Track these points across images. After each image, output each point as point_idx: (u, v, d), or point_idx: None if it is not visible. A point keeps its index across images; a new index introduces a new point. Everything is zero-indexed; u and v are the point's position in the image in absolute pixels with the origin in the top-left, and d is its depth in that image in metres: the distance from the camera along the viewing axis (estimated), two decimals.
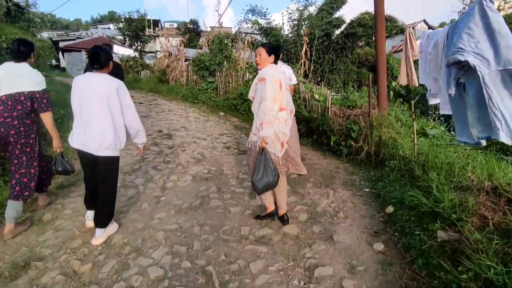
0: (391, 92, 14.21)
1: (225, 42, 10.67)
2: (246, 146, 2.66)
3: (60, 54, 21.42)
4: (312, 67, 8.93)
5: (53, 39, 23.53)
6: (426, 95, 3.25)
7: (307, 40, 8.70)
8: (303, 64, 8.55)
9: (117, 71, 5.48)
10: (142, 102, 9.90)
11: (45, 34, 25.99)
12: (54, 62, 19.89)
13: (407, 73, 3.49)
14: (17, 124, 2.47)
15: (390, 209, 2.86)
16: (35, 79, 2.54)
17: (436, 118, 7.12)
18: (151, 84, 13.29)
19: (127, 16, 14.88)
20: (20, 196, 2.56)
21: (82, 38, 22.02)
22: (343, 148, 4.77)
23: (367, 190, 3.47)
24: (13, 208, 2.52)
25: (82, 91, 2.26)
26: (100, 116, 2.25)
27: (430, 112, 7.75)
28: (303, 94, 6.50)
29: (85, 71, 2.37)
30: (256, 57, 2.55)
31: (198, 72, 10.80)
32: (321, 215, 2.95)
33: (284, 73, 3.84)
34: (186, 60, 12.88)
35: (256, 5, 19.05)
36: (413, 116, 3.97)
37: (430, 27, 30.19)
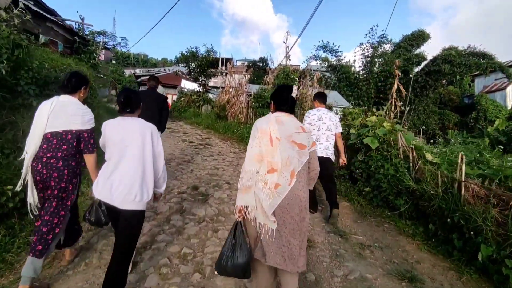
0: (486, 139, 10.93)
1: (292, 76, 9.17)
2: None
3: (139, 87, 23.26)
4: (407, 109, 6.70)
5: (136, 74, 25.94)
6: None
7: (399, 74, 6.61)
8: (393, 104, 6.35)
9: (161, 106, 4.55)
10: (192, 142, 8.80)
11: (138, 70, 29.15)
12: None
13: None
14: (62, 166, 2.23)
15: None
16: (85, 117, 2.31)
17: None
18: (209, 120, 12.48)
19: (194, 51, 14.97)
20: (33, 250, 2.14)
21: (158, 73, 23.65)
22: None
23: None
24: (30, 265, 2.11)
25: (112, 136, 2.06)
26: (130, 163, 2.01)
27: None
28: (402, 149, 4.29)
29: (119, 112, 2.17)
30: None
31: (258, 110, 9.41)
32: None
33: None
34: (249, 95, 11.82)
35: (328, 42, 18.36)
36: None
37: None
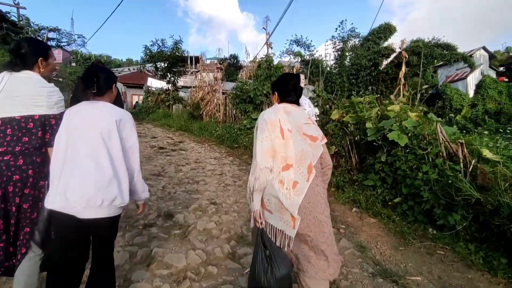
0: (455, 126, 10.82)
1: (276, 65, 8.04)
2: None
3: None
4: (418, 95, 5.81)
5: None
6: None
7: (406, 56, 5.71)
8: (402, 90, 5.38)
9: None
10: (163, 147, 7.31)
11: None
12: None
13: None
14: (24, 165, 1.65)
15: None
16: (52, 98, 1.72)
17: None
18: (181, 121, 10.96)
19: (160, 44, 13.28)
20: None
21: (121, 73, 21.46)
22: None
23: None
24: None
25: (70, 125, 1.55)
26: (92, 160, 1.51)
27: None
28: (444, 145, 3.27)
29: (76, 98, 1.73)
30: None
31: (239, 106, 8.13)
32: None
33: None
34: (224, 93, 10.50)
35: (302, 36, 18.30)
36: None
37: (491, 54, 26.65)
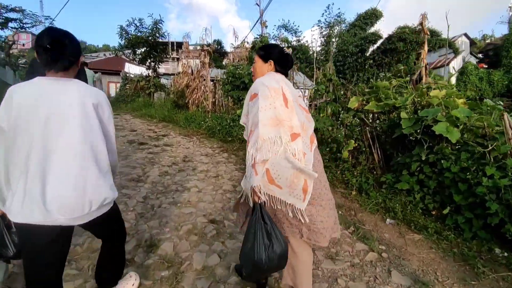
0: None
1: None
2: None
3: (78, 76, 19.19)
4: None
5: None
6: None
7: (428, 33, 4.95)
8: (423, 74, 4.59)
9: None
10: (144, 143, 6.26)
11: None
12: None
13: None
14: None
15: None
16: None
17: None
18: (164, 110, 9.83)
19: (137, 24, 11.79)
20: None
21: (94, 58, 19.67)
22: None
23: None
24: None
25: (29, 112, 1.18)
26: (70, 156, 1.22)
27: None
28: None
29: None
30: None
31: (230, 93, 7.13)
32: None
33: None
34: (212, 80, 9.43)
35: (289, 21, 18.38)
36: None
37: (471, 41, 26.88)
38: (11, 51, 18.84)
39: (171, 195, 3.49)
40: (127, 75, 15.14)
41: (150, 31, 11.82)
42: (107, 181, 1.32)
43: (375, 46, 17.06)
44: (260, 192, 1.41)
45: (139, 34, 11.93)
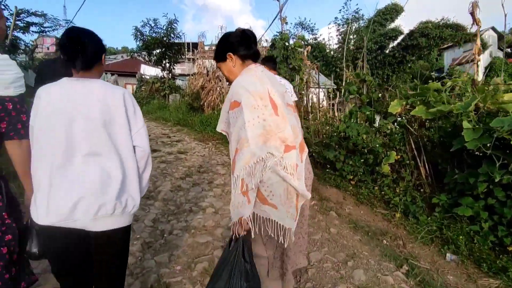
0: None
1: (294, 44, 6.63)
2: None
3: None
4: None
5: None
6: None
7: (480, 24, 4.24)
8: (476, 71, 3.88)
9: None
10: (157, 150, 5.87)
11: None
12: None
13: None
14: None
15: None
16: (7, 72, 1.24)
17: None
18: (179, 113, 9.47)
19: (152, 24, 11.51)
20: None
21: (112, 60, 19.81)
22: None
23: None
24: None
25: (55, 112, 1.17)
26: (94, 157, 1.20)
27: None
28: None
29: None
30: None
31: None
32: None
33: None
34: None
35: (305, 18, 18.65)
36: None
37: (499, 35, 25.02)
38: (34, 55, 19.25)
39: (184, 217, 3.02)
40: (143, 76, 15.00)
41: (164, 31, 11.51)
42: (132, 185, 1.25)
43: (395, 42, 16.24)
44: (247, 223, 1.22)
45: (154, 35, 11.64)
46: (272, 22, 10.53)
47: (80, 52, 1.21)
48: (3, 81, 1.22)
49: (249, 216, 1.21)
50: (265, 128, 1.24)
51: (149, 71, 16.22)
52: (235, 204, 1.23)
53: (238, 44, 1.39)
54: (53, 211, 1.14)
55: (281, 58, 6.35)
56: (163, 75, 12.74)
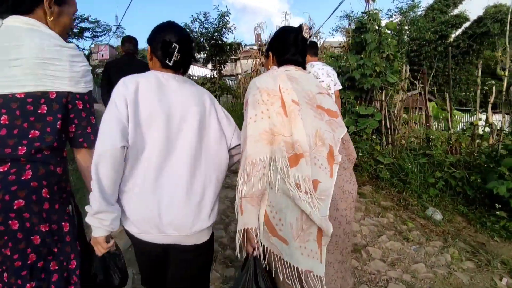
0: None
1: (387, 24, 5.18)
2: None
3: None
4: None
5: None
6: None
7: None
8: None
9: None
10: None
11: None
12: None
13: None
14: (32, 179, 0.92)
15: None
16: (75, 65, 1.00)
17: None
18: (234, 118, 8.37)
19: (202, 18, 10.62)
20: None
21: None
22: None
23: None
24: None
25: (153, 109, 1.07)
26: (186, 159, 1.09)
27: None
28: None
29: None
30: None
31: None
32: None
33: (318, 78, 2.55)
34: None
35: (352, 11, 16.53)
36: None
37: None
38: (90, 61, 20.14)
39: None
40: (191, 77, 14.47)
41: (215, 26, 10.58)
42: (215, 199, 1.14)
43: (459, 30, 14.85)
44: (255, 240, 1.04)
45: (203, 31, 10.80)
46: (337, 7, 8.95)
47: (186, 55, 1.16)
48: (74, 74, 0.98)
49: (255, 227, 1.04)
50: (269, 126, 1.10)
51: (196, 71, 15.65)
52: (236, 212, 1.11)
53: (276, 48, 1.31)
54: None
55: (375, 44, 4.84)
56: (213, 74, 11.88)
